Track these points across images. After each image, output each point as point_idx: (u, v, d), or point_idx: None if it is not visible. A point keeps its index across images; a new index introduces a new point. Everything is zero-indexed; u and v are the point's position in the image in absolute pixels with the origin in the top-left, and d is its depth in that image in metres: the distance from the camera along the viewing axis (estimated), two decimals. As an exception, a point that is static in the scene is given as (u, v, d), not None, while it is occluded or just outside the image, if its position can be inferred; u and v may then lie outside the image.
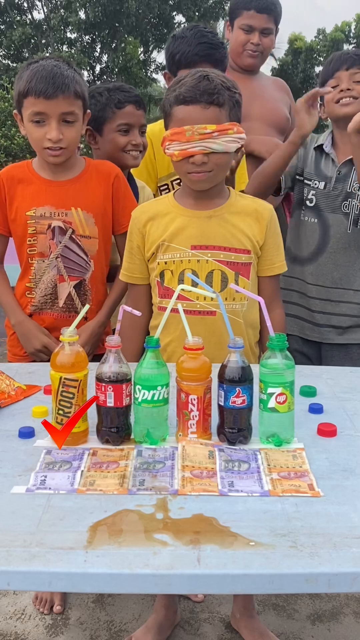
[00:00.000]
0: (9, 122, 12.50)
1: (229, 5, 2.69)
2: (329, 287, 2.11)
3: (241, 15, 2.51)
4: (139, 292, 1.79)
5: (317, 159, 2.12)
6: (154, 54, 23.32)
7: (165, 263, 1.69)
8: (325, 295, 2.12)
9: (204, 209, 1.68)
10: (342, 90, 2.00)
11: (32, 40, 19.66)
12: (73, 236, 1.88)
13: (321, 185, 2.07)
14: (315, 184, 2.07)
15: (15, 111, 1.87)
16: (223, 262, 1.66)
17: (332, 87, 2.03)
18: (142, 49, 21.56)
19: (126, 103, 2.04)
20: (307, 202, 2.11)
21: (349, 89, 2.00)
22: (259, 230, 1.70)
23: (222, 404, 1.22)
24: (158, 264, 1.71)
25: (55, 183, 1.90)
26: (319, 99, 1.97)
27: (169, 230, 1.69)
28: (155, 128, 2.27)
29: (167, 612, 1.95)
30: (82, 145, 2.26)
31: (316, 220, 2.10)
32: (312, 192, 2.08)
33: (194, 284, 1.56)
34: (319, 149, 2.12)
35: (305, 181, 2.12)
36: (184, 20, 21.73)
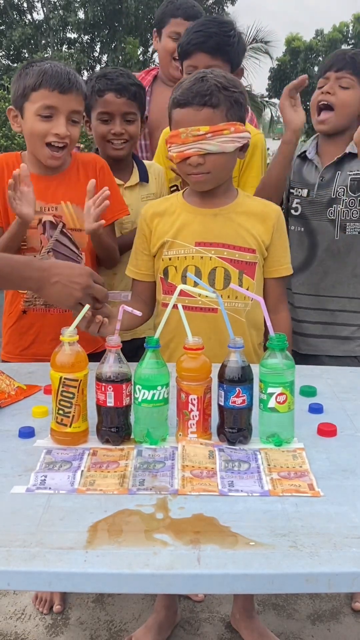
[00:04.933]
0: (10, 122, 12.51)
1: (155, 14, 2.66)
2: (322, 295, 2.05)
3: (168, 23, 2.49)
4: (143, 288, 1.81)
5: (300, 166, 2.07)
6: (154, 54, 23.33)
7: (170, 259, 1.71)
8: (318, 305, 2.05)
9: (210, 207, 1.70)
10: (322, 93, 1.95)
11: (32, 41, 19.66)
12: (64, 230, 1.88)
13: (304, 192, 2.02)
14: (299, 191, 2.03)
15: (11, 107, 1.86)
16: (227, 259, 1.67)
17: (320, 87, 1.98)
18: (141, 49, 21.54)
19: (106, 91, 2.04)
20: (292, 211, 2.06)
21: (328, 92, 1.94)
22: (265, 231, 1.70)
23: (222, 404, 1.22)
24: (162, 260, 1.72)
25: (43, 178, 1.89)
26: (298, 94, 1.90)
27: (174, 227, 1.71)
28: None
29: (168, 612, 1.95)
30: (82, 145, 2.27)
31: (303, 228, 2.04)
32: (297, 200, 2.04)
33: (195, 284, 1.57)
34: (302, 156, 2.08)
35: (290, 190, 2.08)
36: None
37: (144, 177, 2.17)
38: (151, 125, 2.45)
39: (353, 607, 2.11)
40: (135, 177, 2.17)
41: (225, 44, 2.05)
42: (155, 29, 2.60)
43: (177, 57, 2.41)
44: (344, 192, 1.98)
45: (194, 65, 2.05)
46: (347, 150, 1.97)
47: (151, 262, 1.78)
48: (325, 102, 1.95)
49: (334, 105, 1.94)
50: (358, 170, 1.96)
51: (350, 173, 1.97)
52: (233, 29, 2.07)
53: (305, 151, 2.07)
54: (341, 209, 1.99)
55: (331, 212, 2.00)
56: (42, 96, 1.77)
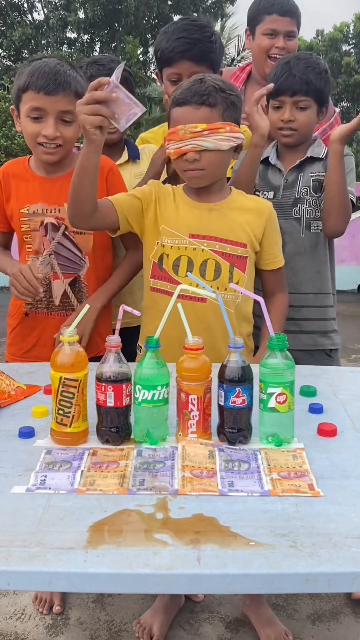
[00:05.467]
0: (10, 122, 12.48)
1: (247, 13, 2.57)
2: (290, 293, 2.06)
3: (263, 20, 2.44)
4: (109, 211, 1.72)
5: (264, 171, 2.15)
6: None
7: (163, 246, 1.74)
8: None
9: (205, 202, 1.76)
10: (282, 120, 2.02)
11: (32, 41, 19.67)
12: (66, 232, 1.88)
13: (270, 194, 2.11)
14: (265, 194, 2.11)
15: (12, 107, 1.87)
16: (218, 252, 1.72)
17: (275, 107, 2.04)
18: (141, 49, 21.51)
19: (98, 77, 2.03)
20: None
21: (290, 120, 2.02)
22: (257, 225, 1.76)
23: (222, 404, 1.22)
24: (163, 246, 1.74)
25: (48, 180, 1.89)
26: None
27: (171, 215, 1.75)
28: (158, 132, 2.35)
29: (173, 595, 1.99)
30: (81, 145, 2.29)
31: None
32: None
33: (195, 282, 1.58)
34: (265, 161, 2.15)
35: (256, 193, 2.14)
36: (183, 20, 21.64)
37: (134, 155, 2.19)
38: None
39: (353, 597, 2.14)
40: (125, 155, 2.21)
41: (209, 50, 2.05)
42: (247, 28, 2.54)
43: (272, 55, 2.42)
44: (307, 192, 2.08)
45: (177, 73, 2.07)
46: (307, 155, 2.09)
47: (134, 210, 1.75)
48: (289, 129, 2.04)
49: (296, 128, 2.04)
50: (319, 172, 2.07)
51: (312, 175, 2.08)
52: (213, 33, 2.08)
53: (267, 157, 2.15)
54: (305, 208, 2.09)
55: (296, 212, 2.09)
56: (30, 98, 1.77)
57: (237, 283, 1.71)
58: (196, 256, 1.72)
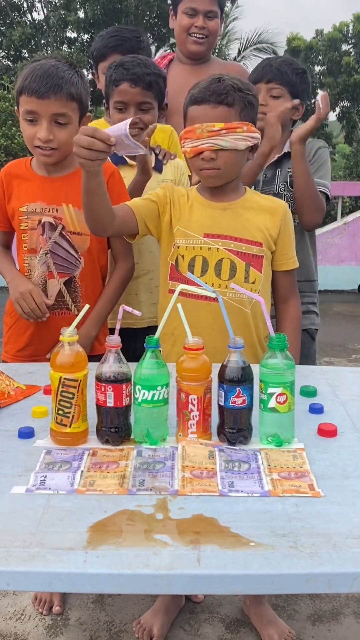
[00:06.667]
0: (10, 121, 12.47)
1: None
2: None
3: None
4: (126, 215, 1.73)
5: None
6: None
7: (178, 247, 1.75)
8: None
9: (220, 201, 1.76)
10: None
11: (32, 41, 19.68)
12: (63, 232, 1.88)
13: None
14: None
15: (16, 107, 1.88)
16: (233, 251, 1.72)
17: None
18: (141, 49, 21.45)
19: (121, 81, 2.05)
20: None
21: (262, 104, 2.06)
22: (273, 224, 1.77)
23: (222, 404, 1.21)
24: (178, 247, 1.75)
25: (48, 179, 1.91)
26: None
27: (186, 215, 1.76)
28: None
29: (174, 595, 1.98)
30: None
31: None
32: None
33: (197, 277, 1.58)
34: None
35: None
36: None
37: (158, 167, 2.20)
38: (169, 108, 2.46)
39: None
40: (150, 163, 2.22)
41: (137, 47, 2.27)
42: (170, 9, 2.63)
43: (192, 34, 2.52)
44: (285, 187, 2.14)
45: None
46: (285, 150, 2.15)
47: (151, 214, 1.76)
48: (261, 114, 2.07)
49: (267, 112, 2.10)
50: None
51: (289, 170, 2.13)
52: (142, 35, 2.31)
53: None
54: None
55: None
56: (24, 101, 1.79)
57: (253, 282, 1.72)
58: (211, 256, 1.72)
